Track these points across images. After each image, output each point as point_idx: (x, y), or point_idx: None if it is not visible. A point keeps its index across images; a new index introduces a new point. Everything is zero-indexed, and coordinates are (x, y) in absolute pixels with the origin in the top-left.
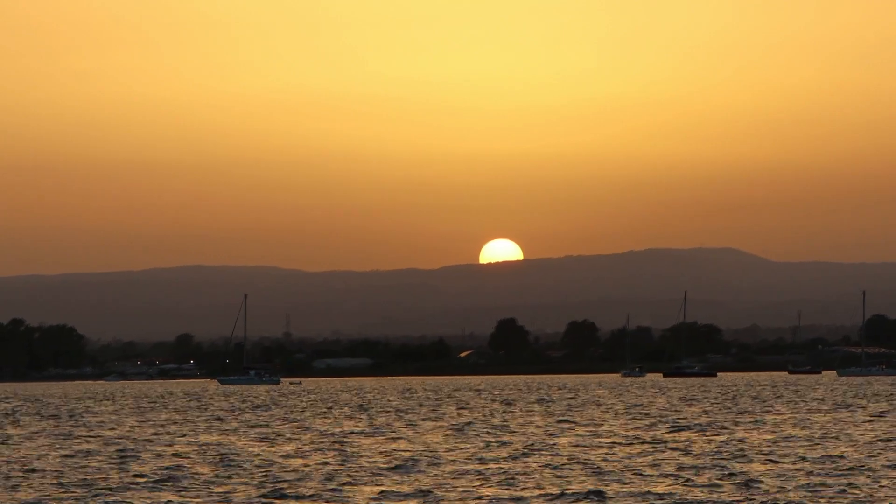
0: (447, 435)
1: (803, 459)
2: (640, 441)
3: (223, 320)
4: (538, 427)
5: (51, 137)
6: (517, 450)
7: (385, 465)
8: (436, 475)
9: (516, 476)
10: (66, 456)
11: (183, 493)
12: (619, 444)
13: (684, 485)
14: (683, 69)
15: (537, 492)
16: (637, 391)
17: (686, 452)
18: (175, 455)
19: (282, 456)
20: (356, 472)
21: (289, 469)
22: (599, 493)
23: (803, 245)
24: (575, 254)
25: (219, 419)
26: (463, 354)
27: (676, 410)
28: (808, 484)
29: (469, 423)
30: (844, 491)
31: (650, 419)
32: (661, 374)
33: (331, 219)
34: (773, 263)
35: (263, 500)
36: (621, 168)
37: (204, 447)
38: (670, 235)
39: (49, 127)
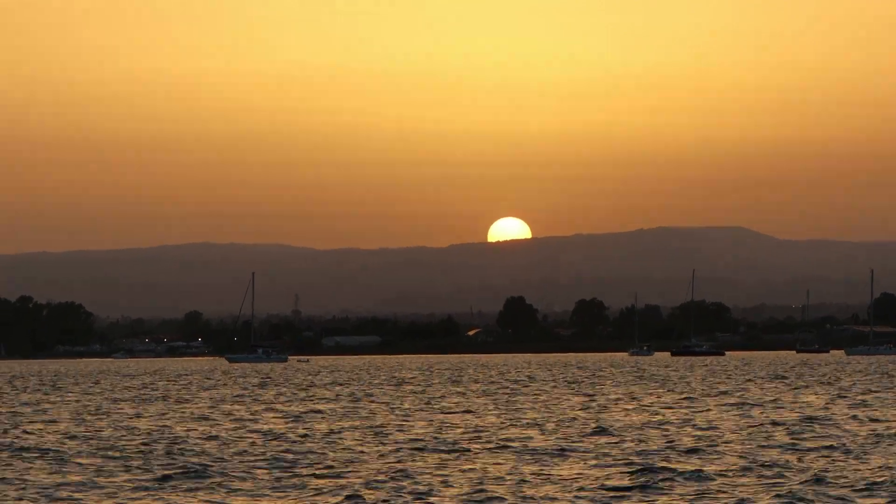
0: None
1: None
2: None
3: (231, 298)
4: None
5: (59, 115)
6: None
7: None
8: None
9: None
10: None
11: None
12: None
13: None
14: (694, 48)
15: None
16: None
17: None
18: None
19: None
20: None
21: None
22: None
23: (812, 224)
24: (583, 232)
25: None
26: (471, 332)
27: None
28: None
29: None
30: None
31: None
32: (669, 353)
33: (340, 197)
34: (782, 242)
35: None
36: (630, 147)
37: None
38: (679, 214)
39: (57, 104)
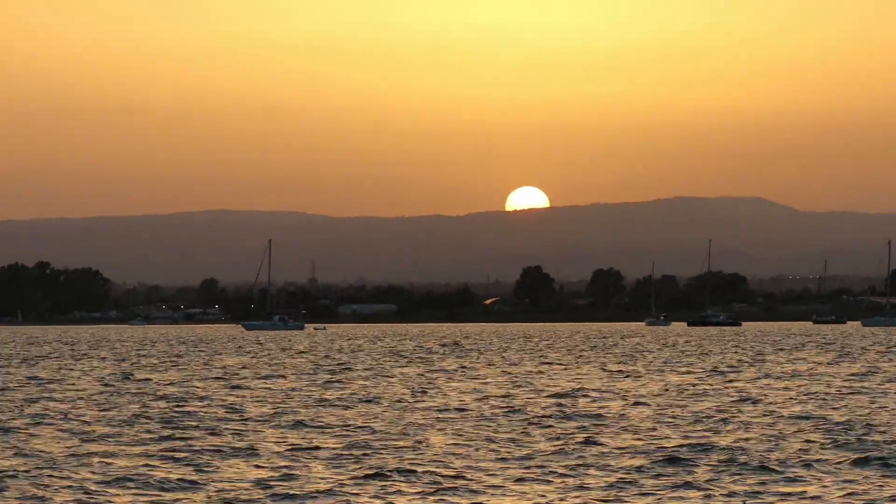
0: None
1: None
2: None
3: (248, 265)
4: None
5: (78, 81)
6: None
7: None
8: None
9: None
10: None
11: None
12: None
13: None
14: (713, 17)
15: None
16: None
17: None
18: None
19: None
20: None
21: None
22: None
23: (830, 195)
24: (601, 202)
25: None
26: (488, 302)
27: None
28: None
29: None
30: None
31: None
32: (685, 323)
33: (357, 165)
34: (800, 213)
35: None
36: (649, 116)
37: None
38: (697, 184)
39: (76, 70)
